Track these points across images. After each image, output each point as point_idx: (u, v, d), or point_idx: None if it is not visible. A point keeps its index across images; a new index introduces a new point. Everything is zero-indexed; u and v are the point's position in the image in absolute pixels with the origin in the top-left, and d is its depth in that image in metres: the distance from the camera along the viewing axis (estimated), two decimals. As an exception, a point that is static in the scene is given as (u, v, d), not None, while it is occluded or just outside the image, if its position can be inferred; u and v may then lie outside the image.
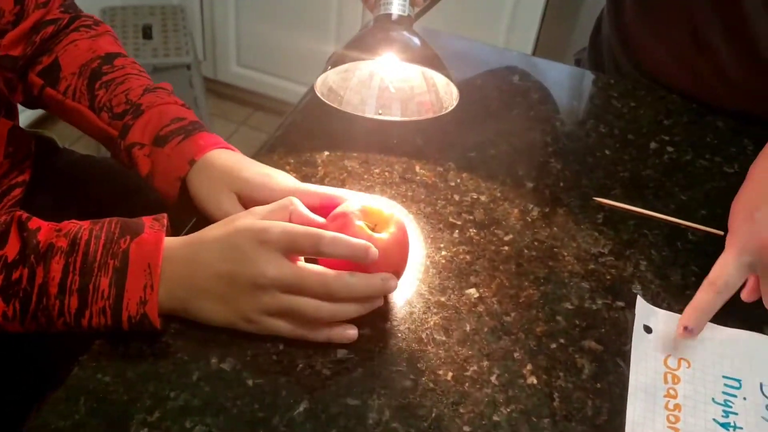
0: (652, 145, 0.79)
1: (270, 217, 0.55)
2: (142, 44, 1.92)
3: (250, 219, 0.54)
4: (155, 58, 1.89)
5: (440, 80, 0.69)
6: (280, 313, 0.53)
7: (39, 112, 1.35)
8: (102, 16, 1.98)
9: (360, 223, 0.55)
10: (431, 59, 0.65)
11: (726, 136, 0.82)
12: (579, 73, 0.94)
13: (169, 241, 0.54)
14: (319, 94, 0.69)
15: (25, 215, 0.55)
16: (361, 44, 0.65)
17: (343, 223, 0.56)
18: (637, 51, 0.91)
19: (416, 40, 0.65)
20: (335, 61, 0.65)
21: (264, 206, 0.56)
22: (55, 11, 0.74)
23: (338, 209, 0.58)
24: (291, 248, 0.52)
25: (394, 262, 0.56)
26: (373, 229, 0.56)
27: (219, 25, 2.09)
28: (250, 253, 0.52)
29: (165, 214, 0.56)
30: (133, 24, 1.97)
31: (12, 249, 0.52)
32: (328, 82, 0.70)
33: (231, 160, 0.62)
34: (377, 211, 0.57)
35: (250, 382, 0.52)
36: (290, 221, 0.55)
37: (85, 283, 0.51)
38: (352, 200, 0.58)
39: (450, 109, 0.69)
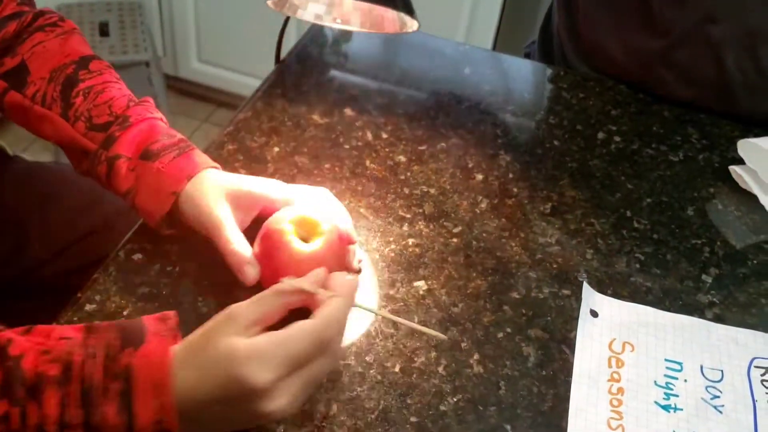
0: (600, 135, 0.81)
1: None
2: (99, 42, 1.89)
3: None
4: (113, 55, 1.86)
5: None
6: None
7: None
8: (57, 13, 1.94)
9: (291, 238, 0.54)
10: None
11: (672, 124, 0.83)
12: (529, 65, 0.95)
13: (178, 350, 0.46)
14: (270, 4, 0.66)
15: (3, 337, 0.44)
16: None
17: (276, 241, 0.55)
18: (586, 43, 0.92)
19: None
20: None
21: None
22: (13, 5, 0.68)
23: (272, 224, 0.56)
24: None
25: (328, 268, 0.53)
26: (306, 239, 0.55)
27: (178, 20, 2.07)
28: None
29: (172, 313, 0.48)
30: (90, 21, 1.94)
31: None
32: None
33: (224, 175, 0.61)
34: (310, 220, 0.56)
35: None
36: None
37: (88, 417, 0.43)
38: (287, 211, 0.57)
39: (410, 31, 0.66)
